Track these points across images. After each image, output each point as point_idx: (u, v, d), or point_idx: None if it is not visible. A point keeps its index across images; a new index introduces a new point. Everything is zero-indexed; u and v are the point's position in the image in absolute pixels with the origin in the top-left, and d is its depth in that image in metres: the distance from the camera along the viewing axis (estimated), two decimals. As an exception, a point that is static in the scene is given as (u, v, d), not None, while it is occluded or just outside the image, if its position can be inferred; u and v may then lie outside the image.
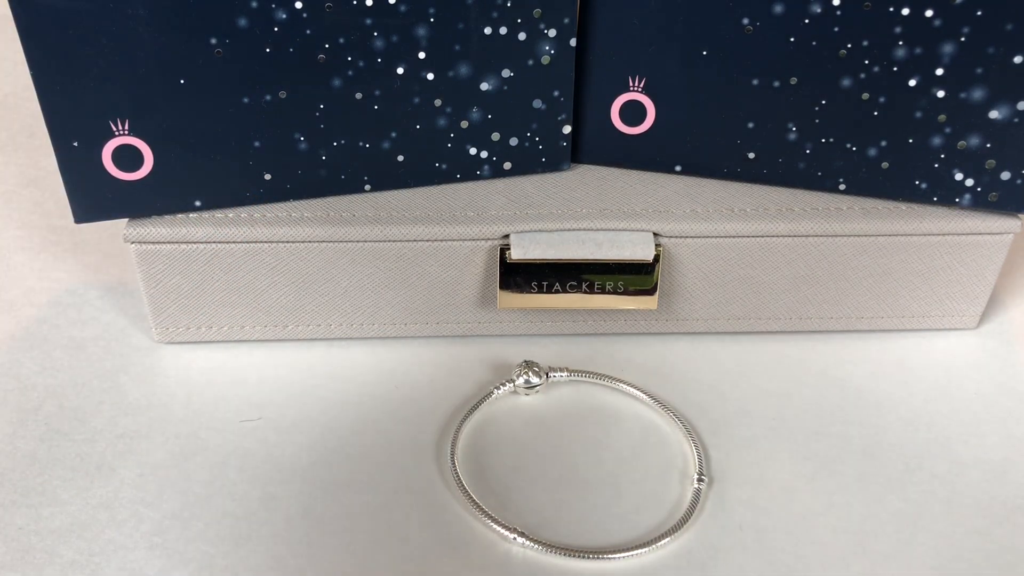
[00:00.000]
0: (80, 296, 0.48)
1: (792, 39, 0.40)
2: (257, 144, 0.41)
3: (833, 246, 0.43)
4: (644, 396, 0.43)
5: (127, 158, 0.40)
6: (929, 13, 0.38)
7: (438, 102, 0.42)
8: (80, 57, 0.37)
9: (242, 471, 0.40)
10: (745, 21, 0.40)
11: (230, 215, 0.42)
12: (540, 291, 0.43)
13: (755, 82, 0.41)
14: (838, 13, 0.39)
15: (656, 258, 0.42)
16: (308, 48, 0.39)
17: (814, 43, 0.40)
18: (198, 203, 0.42)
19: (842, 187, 0.43)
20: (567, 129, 0.44)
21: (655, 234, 0.42)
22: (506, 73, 0.41)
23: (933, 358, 0.46)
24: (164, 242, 0.42)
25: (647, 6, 0.40)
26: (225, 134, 0.40)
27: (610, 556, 0.37)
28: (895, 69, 0.40)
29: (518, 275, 0.42)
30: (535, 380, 0.43)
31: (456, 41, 0.40)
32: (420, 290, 0.44)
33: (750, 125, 0.42)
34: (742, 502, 0.39)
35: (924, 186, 0.42)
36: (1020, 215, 0.43)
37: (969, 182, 0.42)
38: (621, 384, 0.43)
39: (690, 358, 0.45)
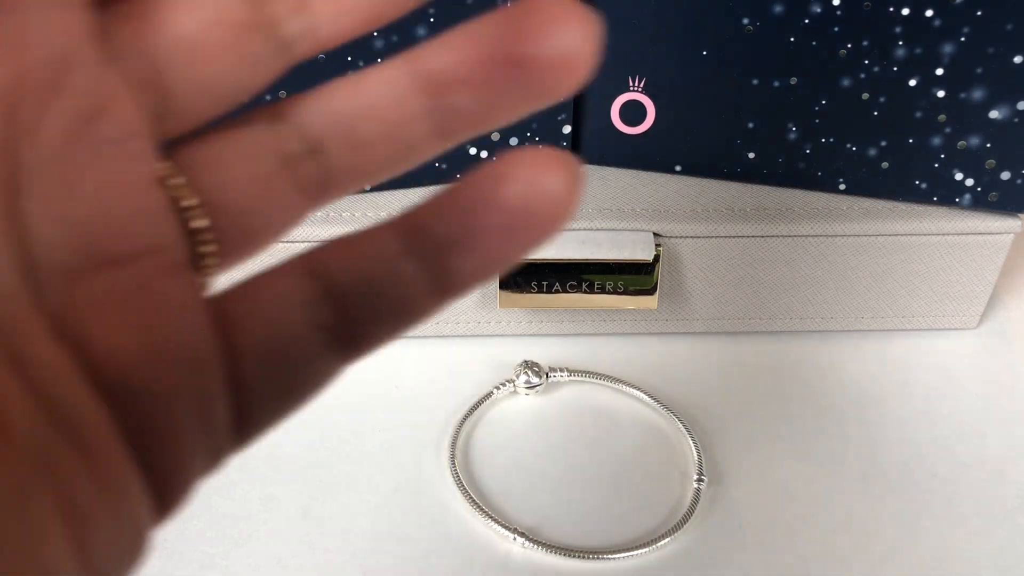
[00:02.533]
0: (80, 296, 0.48)
1: (792, 39, 0.40)
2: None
3: (833, 246, 0.43)
4: (644, 396, 0.43)
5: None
6: (929, 13, 0.38)
7: (438, 102, 0.42)
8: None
9: (242, 471, 0.40)
10: (745, 21, 0.40)
11: (230, 215, 0.42)
12: (540, 291, 0.43)
13: (755, 82, 0.41)
14: (838, 13, 0.39)
15: (656, 258, 0.42)
16: (308, 48, 0.39)
17: (814, 43, 0.40)
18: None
19: (842, 187, 0.43)
20: (567, 129, 0.44)
21: (655, 234, 0.42)
22: (506, 73, 0.41)
23: (933, 358, 0.46)
24: (164, 242, 0.41)
25: (647, 6, 0.40)
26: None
27: (610, 556, 0.37)
28: (895, 69, 0.40)
29: (518, 275, 0.42)
30: (535, 380, 0.43)
31: (456, 41, 0.40)
32: (420, 290, 0.44)
33: (750, 125, 0.42)
34: (742, 502, 0.39)
35: (924, 186, 0.42)
36: (1020, 215, 0.43)
37: (969, 182, 0.42)
38: (621, 384, 0.43)
39: (690, 358, 0.45)
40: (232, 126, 0.23)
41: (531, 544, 0.37)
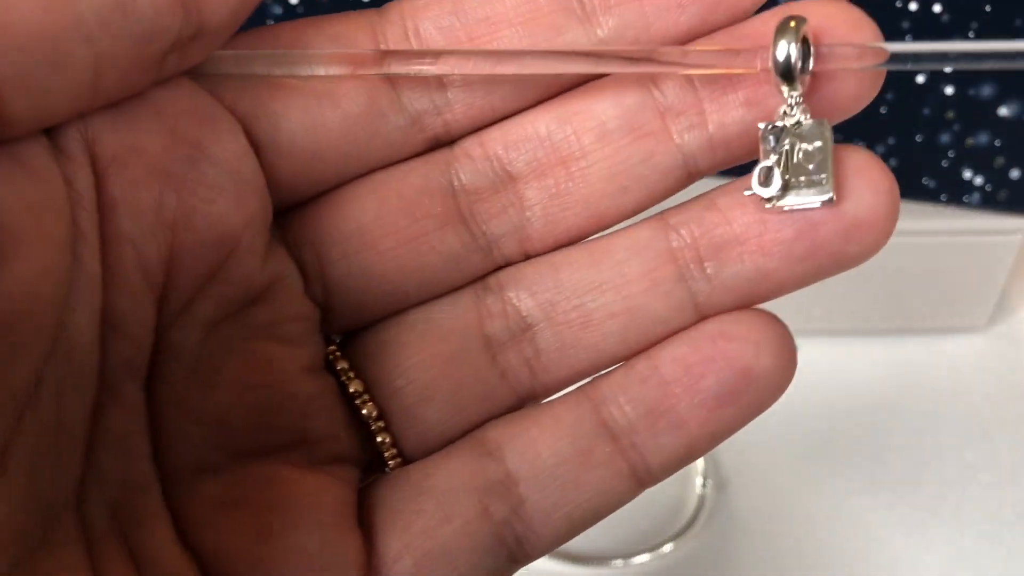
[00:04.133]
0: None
1: (797, 35, 0.39)
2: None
3: (839, 246, 0.43)
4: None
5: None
6: (937, 8, 0.38)
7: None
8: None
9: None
10: (749, 17, 0.39)
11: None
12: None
13: (760, 79, 0.41)
14: (844, 8, 0.38)
15: (659, 258, 0.42)
16: (305, 45, 0.38)
17: (820, 39, 0.39)
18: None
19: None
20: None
21: (658, 234, 0.42)
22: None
23: (941, 360, 0.45)
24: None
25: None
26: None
27: (613, 562, 0.36)
28: (902, 65, 0.39)
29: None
30: (536, 382, 0.42)
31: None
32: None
33: (754, 123, 0.42)
34: (747, 506, 0.38)
35: (932, 184, 0.42)
36: (1030, 214, 0.43)
37: (978, 180, 0.41)
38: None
39: (694, 360, 0.45)
40: (430, 299, 0.20)
41: (532, 549, 0.36)
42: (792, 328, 0.49)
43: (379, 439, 0.20)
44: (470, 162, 0.20)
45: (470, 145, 0.20)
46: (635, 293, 0.20)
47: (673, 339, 0.20)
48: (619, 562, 0.36)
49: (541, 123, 0.20)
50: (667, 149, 0.19)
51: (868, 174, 0.19)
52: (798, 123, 0.18)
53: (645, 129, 0.19)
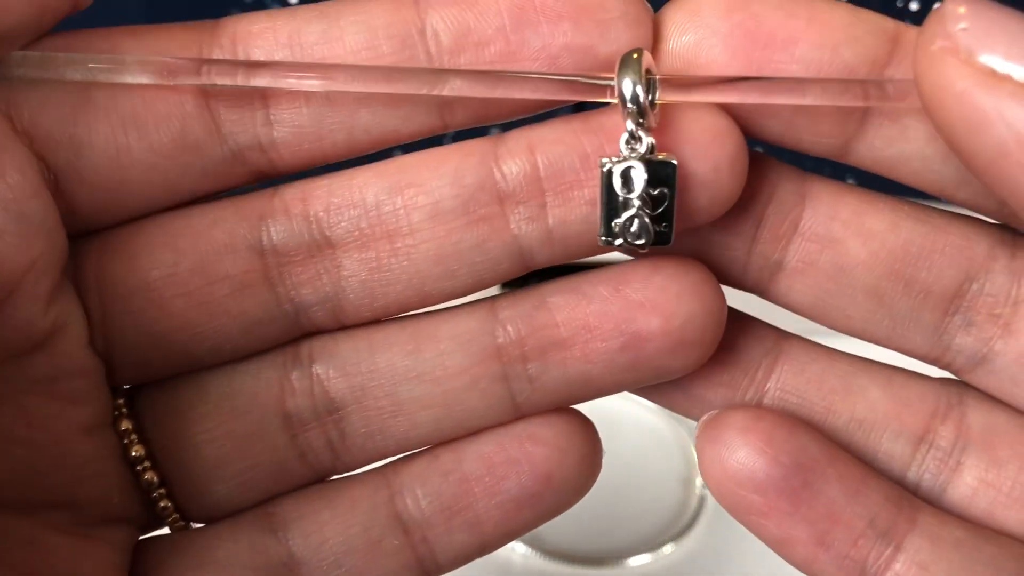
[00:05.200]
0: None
1: (798, 34, 0.39)
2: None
3: (841, 245, 0.42)
4: (648, 400, 0.42)
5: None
6: (939, 7, 0.38)
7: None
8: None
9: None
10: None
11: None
12: (541, 292, 0.42)
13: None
14: (845, 7, 0.38)
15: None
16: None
17: (821, 38, 0.39)
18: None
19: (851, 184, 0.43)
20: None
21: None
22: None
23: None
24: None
25: (650, 1, 0.40)
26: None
27: (612, 563, 0.36)
28: (904, 64, 0.39)
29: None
30: (536, 383, 0.42)
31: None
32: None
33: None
34: (748, 507, 0.38)
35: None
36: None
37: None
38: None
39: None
40: (228, 362, 0.19)
41: (532, 551, 0.36)
42: (791, 328, 0.49)
43: (161, 504, 0.19)
44: (286, 219, 0.18)
45: (291, 199, 0.18)
46: (453, 388, 0.19)
47: (481, 435, 0.19)
48: (620, 563, 0.36)
49: (370, 190, 0.18)
50: (502, 238, 0.18)
51: (701, 291, 0.18)
52: (643, 158, 0.18)
53: (481, 213, 0.18)
